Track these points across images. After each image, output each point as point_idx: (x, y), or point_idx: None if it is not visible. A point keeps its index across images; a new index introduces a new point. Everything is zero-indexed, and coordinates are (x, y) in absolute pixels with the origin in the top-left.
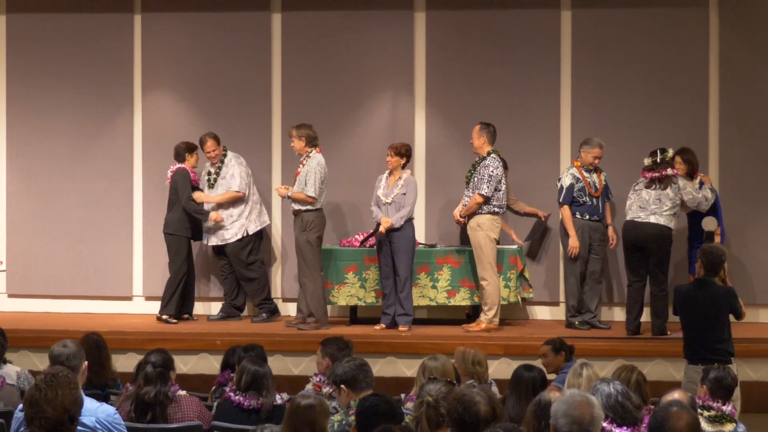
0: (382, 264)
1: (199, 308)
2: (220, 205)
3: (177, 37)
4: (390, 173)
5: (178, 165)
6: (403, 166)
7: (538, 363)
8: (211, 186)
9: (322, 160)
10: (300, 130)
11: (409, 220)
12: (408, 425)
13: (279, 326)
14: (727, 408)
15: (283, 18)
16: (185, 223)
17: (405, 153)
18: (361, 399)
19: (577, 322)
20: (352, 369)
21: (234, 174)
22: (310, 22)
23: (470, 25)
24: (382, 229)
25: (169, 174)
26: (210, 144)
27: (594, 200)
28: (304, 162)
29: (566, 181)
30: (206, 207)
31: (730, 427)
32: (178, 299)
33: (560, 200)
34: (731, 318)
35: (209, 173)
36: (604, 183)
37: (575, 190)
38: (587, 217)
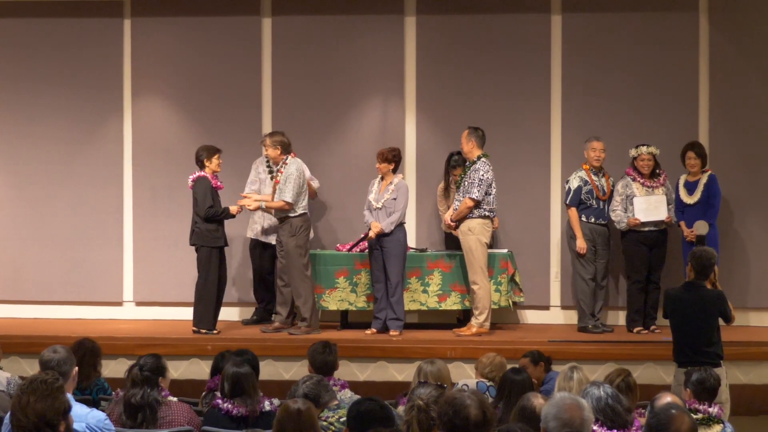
0: (374, 268)
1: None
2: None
3: (167, 42)
4: (382, 178)
5: (198, 173)
6: (394, 171)
7: None
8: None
9: (301, 165)
10: (274, 138)
11: (401, 225)
12: (398, 429)
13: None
14: (713, 409)
15: (273, 23)
16: (216, 232)
17: (392, 158)
18: (355, 402)
19: (590, 326)
20: (314, 387)
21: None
22: (300, 27)
23: (460, 30)
24: (371, 234)
25: (190, 182)
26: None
27: (601, 203)
28: (282, 170)
29: (574, 183)
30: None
31: (717, 428)
32: (214, 312)
33: (567, 202)
34: (720, 322)
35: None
36: (612, 186)
37: (583, 192)
38: (593, 220)
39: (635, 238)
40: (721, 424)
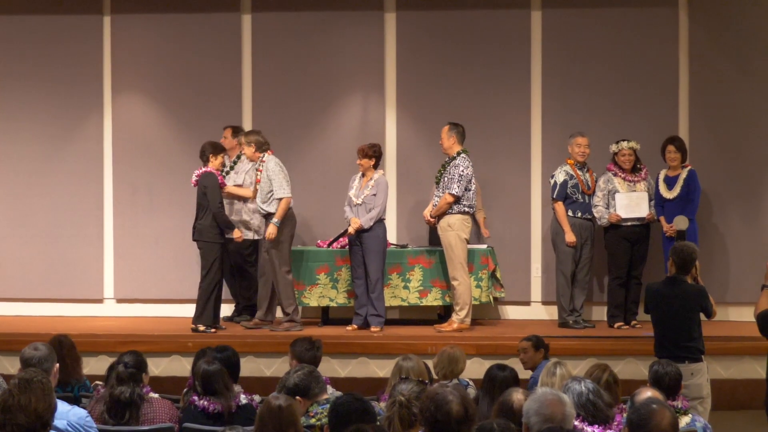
0: (354, 264)
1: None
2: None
3: (146, 38)
4: (363, 174)
5: (204, 168)
6: (375, 166)
7: (510, 362)
8: (224, 177)
9: (278, 160)
10: (249, 137)
11: (380, 221)
12: (380, 425)
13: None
14: (678, 402)
15: (253, 19)
16: (216, 228)
17: (372, 154)
18: (335, 399)
19: (571, 321)
20: (305, 378)
21: (244, 171)
22: (280, 23)
23: (440, 25)
24: (351, 230)
25: (195, 178)
26: (225, 132)
27: (586, 198)
28: (261, 168)
29: (560, 177)
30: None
31: (686, 419)
32: (213, 308)
33: (554, 196)
34: (702, 317)
35: (222, 164)
36: (595, 181)
37: (569, 186)
38: (579, 214)
39: (618, 233)
40: (688, 416)
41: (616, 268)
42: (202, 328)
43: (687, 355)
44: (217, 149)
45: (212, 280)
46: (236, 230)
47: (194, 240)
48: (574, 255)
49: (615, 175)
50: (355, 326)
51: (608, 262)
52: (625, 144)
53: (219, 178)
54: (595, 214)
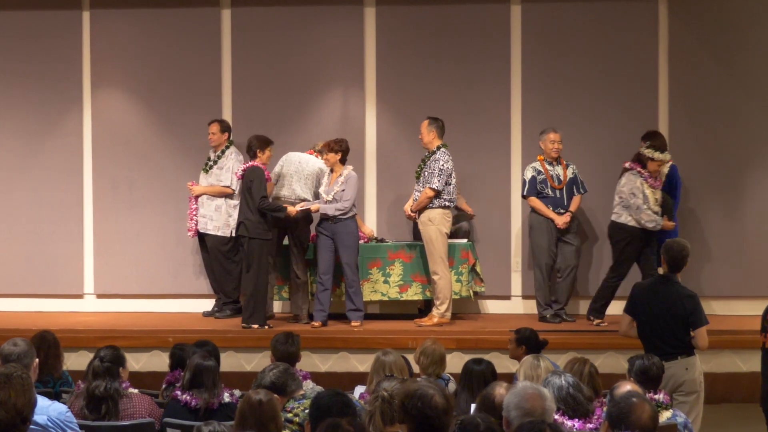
0: (322, 259)
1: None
2: (211, 195)
3: (126, 33)
4: (332, 170)
5: (251, 162)
6: (342, 161)
7: (490, 357)
8: (206, 171)
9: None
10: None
11: (353, 217)
12: (356, 420)
13: (231, 323)
14: (660, 396)
15: (232, 14)
16: (264, 224)
17: (339, 149)
18: (317, 396)
19: (548, 315)
20: (281, 376)
21: (229, 168)
22: (260, 18)
23: (420, 20)
24: (313, 207)
25: (240, 172)
26: (212, 127)
27: (557, 192)
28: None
29: (528, 174)
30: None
31: (667, 414)
32: (264, 307)
33: (524, 194)
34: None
35: (209, 158)
36: (572, 175)
37: (537, 182)
38: (551, 208)
39: (637, 234)
40: (670, 410)
41: (618, 266)
42: (255, 326)
43: (680, 351)
44: (264, 143)
45: (258, 277)
46: (289, 207)
47: (239, 235)
48: (550, 249)
49: (644, 179)
50: (320, 322)
51: (618, 261)
52: (668, 157)
53: (266, 172)
54: (645, 219)
